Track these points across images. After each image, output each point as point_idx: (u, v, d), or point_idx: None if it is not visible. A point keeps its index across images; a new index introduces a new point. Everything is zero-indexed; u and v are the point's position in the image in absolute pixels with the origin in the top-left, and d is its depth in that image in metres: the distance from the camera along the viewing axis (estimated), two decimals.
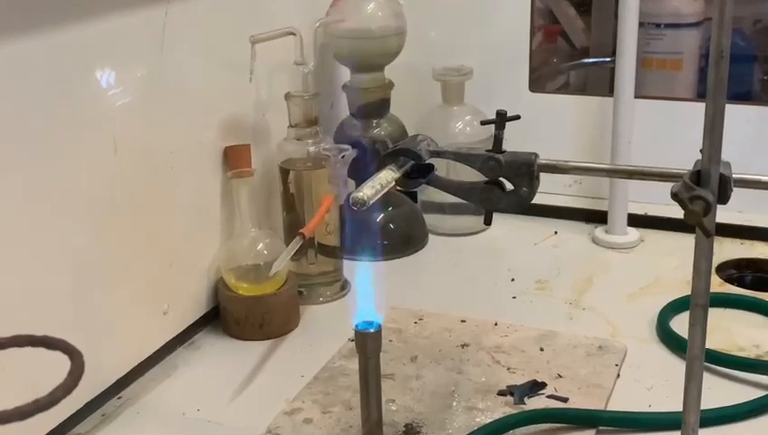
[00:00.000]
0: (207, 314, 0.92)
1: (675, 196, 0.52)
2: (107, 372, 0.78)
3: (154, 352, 0.84)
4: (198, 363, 0.86)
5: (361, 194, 0.58)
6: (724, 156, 0.53)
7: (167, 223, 0.84)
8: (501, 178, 0.65)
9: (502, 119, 0.64)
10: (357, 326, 0.60)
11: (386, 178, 0.62)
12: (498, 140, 0.64)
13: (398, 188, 0.67)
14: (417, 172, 0.66)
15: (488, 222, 0.69)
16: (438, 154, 0.66)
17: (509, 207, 0.64)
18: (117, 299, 0.78)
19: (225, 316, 0.91)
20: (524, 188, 0.63)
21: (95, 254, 0.75)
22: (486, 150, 0.65)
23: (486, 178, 0.65)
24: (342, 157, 0.92)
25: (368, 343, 0.59)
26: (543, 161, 0.63)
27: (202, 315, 0.91)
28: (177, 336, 0.87)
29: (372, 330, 0.59)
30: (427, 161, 0.66)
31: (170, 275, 0.85)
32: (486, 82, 1.14)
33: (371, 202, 0.58)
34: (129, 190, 0.79)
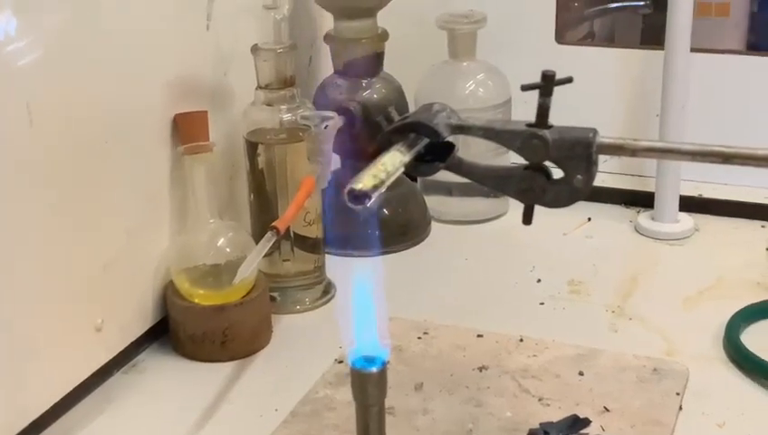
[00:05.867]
0: (153, 328, 0.90)
1: None
2: (26, 406, 0.76)
3: (85, 380, 0.82)
4: (142, 392, 0.84)
5: (361, 185, 0.55)
6: None
7: (100, 213, 0.82)
8: (546, 163, 0.62)
9: (549, 82, 0.60)
10: (353, 364, 0.54)
11: (393, 162, 0.59)
12: (544, 110, 0.61)
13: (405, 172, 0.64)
14: (433, 154, 0.63)
15: (528, 221, 0.65)
16: (462, 129, 0.63)
17: (557, 200, 0.62)
18: (37, 313, 0.76)
19: (176, 331, 0.89)
20: (579, 176, 0.59)
21: (7, 256, 0.73)
22: (528, 125, 0.62)
23: (527, 163, 0.62)
24: (325, 126, 0.88)
25: (368, 387, 0.54)
26: (606, 140, 0.60)
27: (146, 331, 0.89)
28: (114, 358, 0.86)
29: (375, 369, 0.53)
30: (446, 139, 0.63)
31: (105, 279, 0.83)
32: (503, 31, 1.14)
33: (375, 196, 0.55)
34: (51, 172, 0.76)
